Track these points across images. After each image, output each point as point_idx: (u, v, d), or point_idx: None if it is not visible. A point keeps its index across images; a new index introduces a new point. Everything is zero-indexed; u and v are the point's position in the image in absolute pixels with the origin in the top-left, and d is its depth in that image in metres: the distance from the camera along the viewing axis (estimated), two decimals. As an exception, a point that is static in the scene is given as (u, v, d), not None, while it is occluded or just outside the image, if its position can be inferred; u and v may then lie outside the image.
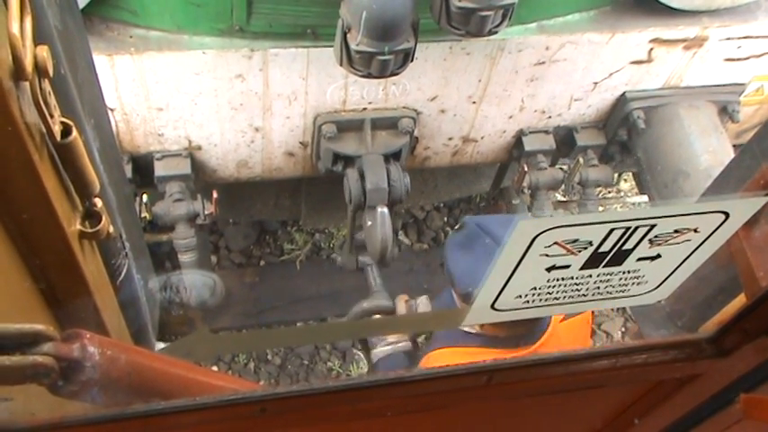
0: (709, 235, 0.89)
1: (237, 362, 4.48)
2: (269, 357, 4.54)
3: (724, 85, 3.59)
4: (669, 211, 0.82)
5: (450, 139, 3.50)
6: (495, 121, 3.46)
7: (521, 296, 0.94)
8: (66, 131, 1.20)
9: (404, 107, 3.24)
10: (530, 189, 3.63)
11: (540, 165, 3.56)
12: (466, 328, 2.40)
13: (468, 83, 3.20)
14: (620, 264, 0.92)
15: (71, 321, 1.40)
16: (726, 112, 3.62)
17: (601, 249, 0.87)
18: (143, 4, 2.71)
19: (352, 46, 2.33)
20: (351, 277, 3.92)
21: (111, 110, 2.94)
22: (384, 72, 2.40)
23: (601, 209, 4.09)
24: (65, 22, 1.45)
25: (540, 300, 0.96)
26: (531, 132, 3.53)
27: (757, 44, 3.40)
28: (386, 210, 3.11)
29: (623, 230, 0.84)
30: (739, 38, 3.36)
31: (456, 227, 2.39)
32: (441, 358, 2.49)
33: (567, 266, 0.90)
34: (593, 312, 2.83)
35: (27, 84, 1.07)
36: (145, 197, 3.22)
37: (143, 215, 3.21)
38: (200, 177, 3.37)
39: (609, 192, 5.36)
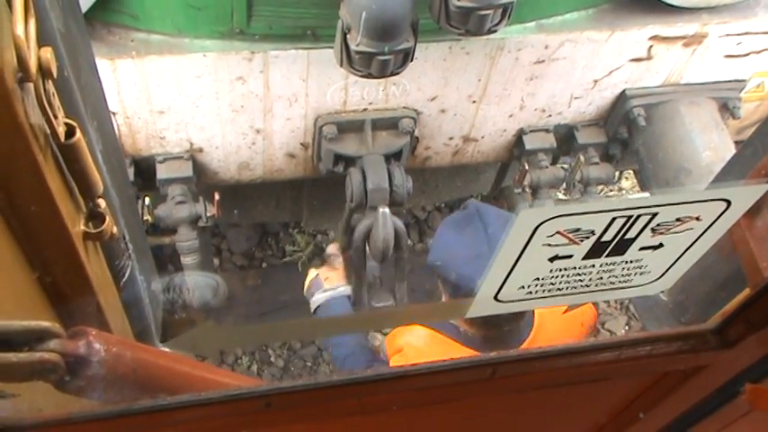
0: (712, 223, 0.89)
1: (240, 364, 4.49)
2: (272, 359, 4.55)
3: (724, 82, 3.59)
4: (671, 200, 0.83)
5: (450, 138, 3.51)
6: (496, 120, 3.46)
7: (524, 287, 0.94)
8: (69, 132, 1.21)
9: (404, 107, 3.24)
10: (531, 188, 3.64)
11: (541, 163, 3.56)
12: None
13: (468, 82, 3.21)
14: (622, 253, 0.92)
15: (75, 321, 1.41)
16: (727, 109, 3.62)
17: (603, 238, 0.88)
18: (144, 7, 2.72)
19: (352, 46, 2.34)
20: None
21: (114, 113, 2.95)
22: (384, 72, 2.41)
23: (602, 207, 4.08)
24: (68, 26, 1.46)
25: (543, 290, 0.96)
26: (531, 131, 3.54)
27: (757, 40, 3.40)
28: (387, 210, 3.12)
29: (625, 219, 0.84)
30: (739, 34, 3.37)
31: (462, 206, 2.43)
32: (413, 334, 2.52)
33: (570, 256, 0.90)
34: (596, 315, 2.84)
35: (31, 85, 1.08)
36: (147, 200, 3.23)
37: (145, 218, 3.21)
38: (201, 180, 3.37)
39: (610, 190, 5.37)
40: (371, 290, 3.29)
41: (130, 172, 3.13)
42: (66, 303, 1.40)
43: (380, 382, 1.01)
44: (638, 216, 0.85)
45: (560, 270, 0.94)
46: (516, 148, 3.65)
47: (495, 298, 0.96)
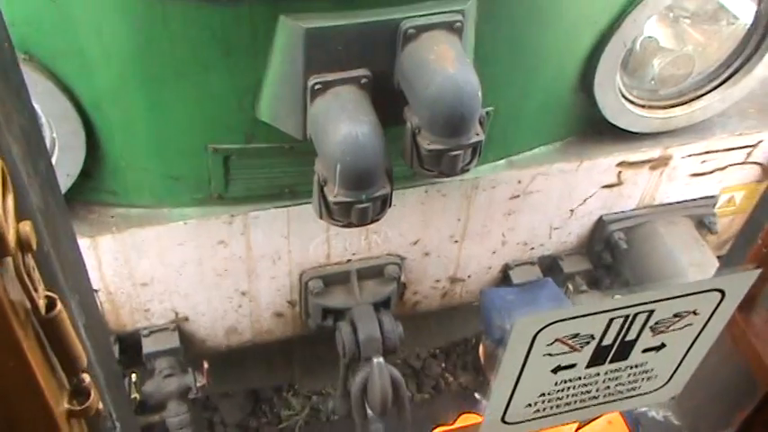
0: (710, 316, 0.87)
1: None
2: None
3: (696, 200, 3.67)
4: (665, 294, 0.81)
5: (437, 281, 3.50)
6: (480, 258, 3.48)
7: (530, 404, 0.90)
8: (50, 305, 1.18)
9: (387, 254, 3.26)
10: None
11: (531, 296, 3.55)
12: None
13: (448, 223, 3.25)
14: (625, 357, 0.89)
15: None
16: (703, 225, 3.68)
17: (604, 342, 0.85)
18: (123, 183, 2.77)
19: (330, 198, 2.37)
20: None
21: (96, 291, 2.92)
22: (364, 220, 2.43)
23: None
24: (47, 203, 1.47)
25: (551, 407, 0.92)
26: (516, 265, 3.55)
27: (719, 157, 3.52)
28: (382, 359, 3.05)
29: (623, 319, 0.82)
30: (700, 153, 3.48)
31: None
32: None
33: (573, 365, 0.87)
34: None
35: (10, 260, 1.07)
36: (134, 377, 3.14)
37: (133, 396, 3.10)
38: (189, 350, 3.30)
39: (602, 318, 5.32)
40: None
41: (115, 349, 3.06)
42: (50, 491, 1.30)
43: None
44: (636, 315, 0.82)
45: (565, 382, 0.90)
46: (504, 284, 3.64)
47: (503, 420, 0.90)
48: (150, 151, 2.66)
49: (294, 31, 2.28)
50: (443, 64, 2.29)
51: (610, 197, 3.48)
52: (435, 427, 2.76)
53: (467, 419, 2.68)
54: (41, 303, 1.15)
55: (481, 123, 2.46)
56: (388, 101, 2.46)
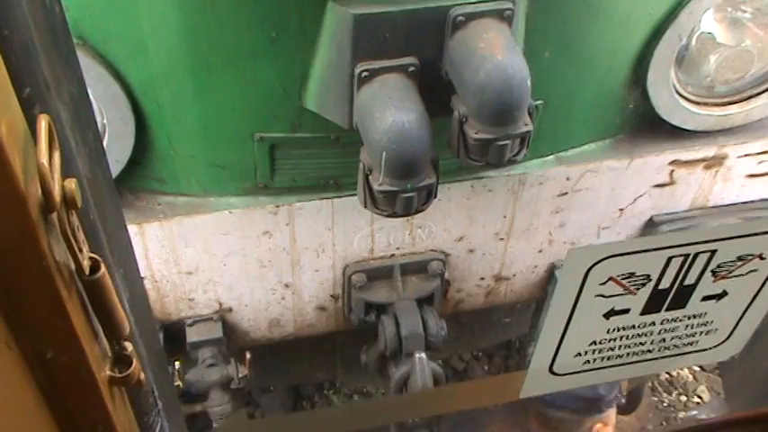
0: (778, 260, 0.81)
1: None
2: None
3: (752, 202, 3.56)
4: (729, 232, 0.76)
5: (481, 279, 3.45)
6: (525, 256, 3.42)
7: (580, 354, 0.85)
8: (94, 267, 1.18)
9: (432, 250, 3.22)
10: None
11: (577, 297, 3.47)
12: None
13: (494, 220, 3.20)
14: (683, 305, 0.84)
15: (101, 479, 1.31)
16: (759, 229, 3.56)
17: (661, 286, 0.80)
18: (170, 170, 2.80)
19: (375, 187, 2.35)
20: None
21: (142, 278, 2.95)
22: (409, 209, 2.40)
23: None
24: (94, 174, 1.47)
25: (602, 358, 0.87)
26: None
27: (778, 158, 3.41)
28: (424, 355, 3.02)
29: (682, 259, 0.77)
30: (758, 153, 3.37)
31: None
32: None
33: (627, 311, 0.82)
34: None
35: (55, 216, 1.07)
36: (177, 364, 3.16)
37: (176, 383, 3.13)
38: (232, 341, 3.31)
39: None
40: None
41: (160, 338, 3.08)
42: (90, 459, 1.31)
43: None
44: (696, 255, 0.78)
45: (618, 330, 0.85)
46: (550, 284, 3.58)
47: (551, 370, 0.86)
48: (198, 138, 2.68)
49: (342, 18, 2.27)
50: (492, 51, 2.26)
51: (661, 197, 3.39)
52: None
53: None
54: (85, 264, 1.15)
55: (530, 114, 2.42)
56: (435, 90, 2.43)
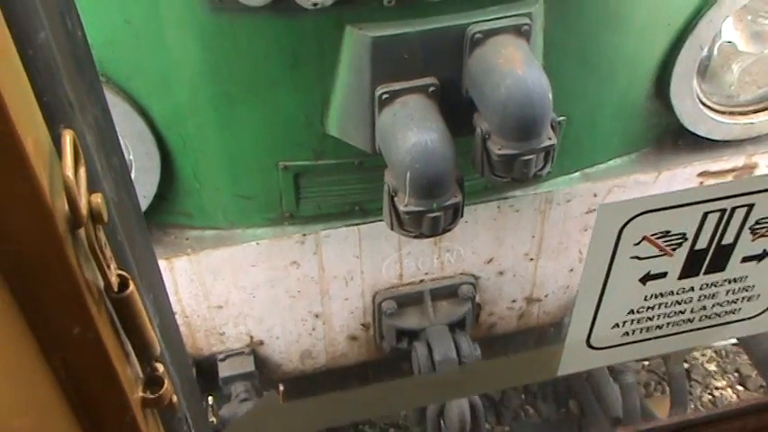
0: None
1: None
2: None
3: (786, 211, 3.48)
4: (766, 184, 0.73)
5: (513, 301, 3.40)
6: (557, 276, 3.37)
7: (618, 325, 0.82)
8: (123, 284, 1.17)
9: (461, 273, 3.19)
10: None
11: (612, 316, 3.40)
12: None
13: (522, 240, 3.16)
14: (723, 268, 0.80)
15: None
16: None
17: (698, 246, 0.77)
18: (197, 204, 2.81)
19: (401, 208, 2.34)
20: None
21: (173, 314, 2.95)
22: (436, 229, 2.38)
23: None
24: (120, 197, 1.48)
25: (641, 329, 0.84)
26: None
27: (809, 166, 3.34)
28: (459, 380, 2.96)
29: (719, 215, 0.74)
30: (788, 161, 3.32)
31: None
32: None
33: (664, 274, 0.79)
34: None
35: (83, 232, 1.07)
36: (210, 399, 3.14)
37: (210, 419, 3.10)
38: (264, 374, 3.29)
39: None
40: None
41: (192, 371, 3.07)
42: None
43: None
44: (733, 210, 0.74)
45: (656, 297, 0.82)
46: (583, 304, 3.52)
47: (588, 344, 0.83)
48: (222, 170, 2.69)
49: (360, 41, 2.29)
50: (512, 66, 2.26)
51: (692, 210, 3.33)
52: None
53: None
54: (114, 281, 1.14)
55: (553, 128, 2.41)
56: (456, 109, 2.43)
